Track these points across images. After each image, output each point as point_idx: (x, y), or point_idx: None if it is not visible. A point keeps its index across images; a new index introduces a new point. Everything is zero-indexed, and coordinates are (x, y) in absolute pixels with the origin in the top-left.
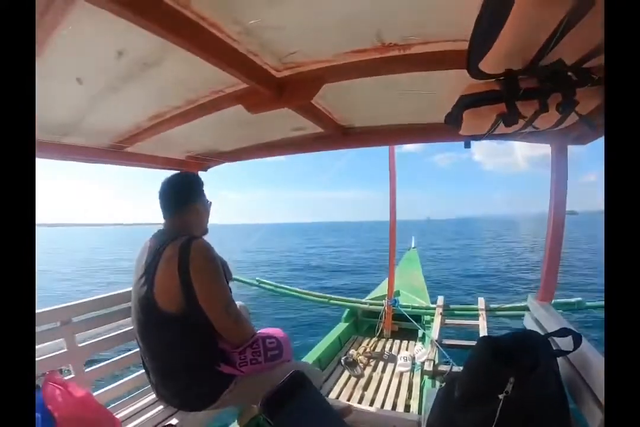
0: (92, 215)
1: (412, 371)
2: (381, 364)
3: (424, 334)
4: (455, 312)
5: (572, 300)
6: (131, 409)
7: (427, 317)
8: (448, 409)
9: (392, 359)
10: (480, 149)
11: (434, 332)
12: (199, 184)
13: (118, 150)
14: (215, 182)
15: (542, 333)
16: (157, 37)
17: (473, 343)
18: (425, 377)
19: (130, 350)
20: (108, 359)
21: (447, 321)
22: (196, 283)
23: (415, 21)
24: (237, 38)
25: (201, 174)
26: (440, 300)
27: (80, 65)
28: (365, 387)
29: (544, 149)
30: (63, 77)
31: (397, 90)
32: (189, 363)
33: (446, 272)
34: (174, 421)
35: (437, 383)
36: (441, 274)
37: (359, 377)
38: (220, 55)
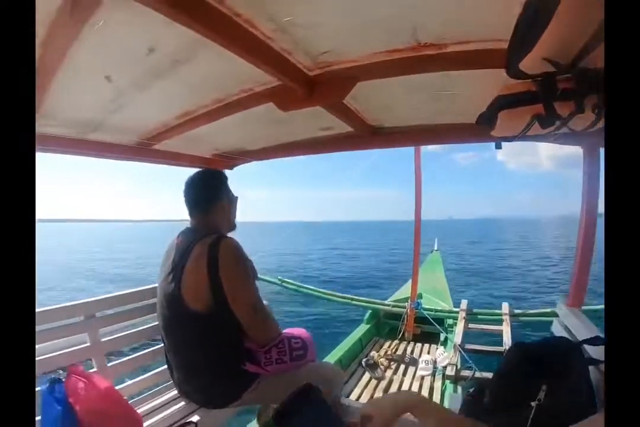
0: (100, 211)
1: (433, 375)
2: (402, 367)
3: (446, 338)
4: (479, 316)
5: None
6: (152, 404)
7: (450, 321)
8: (476, 416)
9: (413, 362)
10: (504, 147)
11: (457, 336)
12: (223, 180)
13: (144, 148)
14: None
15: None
16: (189, 33)
17: (497, 349)
18: (447, 381)
19: (152, 345)
20: (130, 355)
21: (471, 326)
22: (225, 282)
23: (453, 20)
24: (271, 35)
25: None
26: (464, 304)
27: (110, 62)
28: (386, 390)
29: (568, 149)
30: (92, 73)
31: (428, 90)
32: (213, 361)
33: (475, 291)
34: (194, 418)
35: (459, 388)
36: (470, 294)
37: (379, 379)
38: (253, 52)
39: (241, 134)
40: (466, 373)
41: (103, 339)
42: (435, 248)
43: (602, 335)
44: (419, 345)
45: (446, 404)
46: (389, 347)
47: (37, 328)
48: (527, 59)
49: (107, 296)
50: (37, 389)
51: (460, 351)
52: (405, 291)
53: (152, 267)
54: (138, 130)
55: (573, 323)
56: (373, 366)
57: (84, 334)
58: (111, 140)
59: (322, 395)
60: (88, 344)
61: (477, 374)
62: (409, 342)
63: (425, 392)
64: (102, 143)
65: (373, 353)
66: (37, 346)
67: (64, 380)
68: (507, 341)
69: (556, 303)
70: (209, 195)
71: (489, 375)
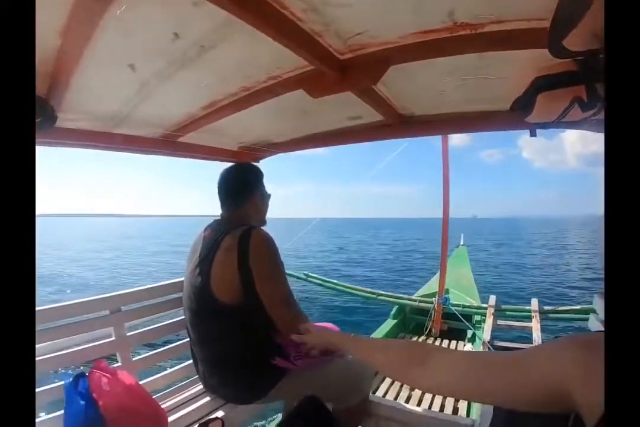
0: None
1: None
2: None
3: (473, 335)
4: (507, 313)
5: None
6: (177, 399)
7: (478, 317)
8: (517, 415)
9: None
10: (530, 145)
11: (486, 333)
12: (259, 175)
13: (170, 140)
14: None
15: None
16: (216, 16)
17: (527, 346)
18: None
19: (177, 340)
20: (155, 349)
21: (500, 322)
22: (256, 274)
23: None
24: (302, 16)
25: None
26: (492, 300)
27: (133, 50)
28: (413, 387)
29: (595, 146)
30: (115, 63)
31: (461, 74)
32: (242, 355)
33: (501, 289)
34: (220, 414)
35: None
36: (496, 291)
37: None
38: (284, 34)
39: (267, 125)
40: None
41: (128, 333)
42: (462, 243)
43: None
44: (445, 341)
45: (476, 405)
46: None
47: (63, 321)
48: (572, 35)
49: (132, 290)
50: (61, 383)
51: (489, 348)
52: (431, 286)
53: None
54: (163, 122)
55: None
56: None
57: (109, 328)
58: (136, 133)
59: (325, 406)
60: (113, 338)
61: None
62: (435, 339)
63: None
64: (127, 136)
65: None
66: (62, 339)
67: (87, 375)
68: (537, 338)
69: (587, 300)
70: (243, 189)
71: None
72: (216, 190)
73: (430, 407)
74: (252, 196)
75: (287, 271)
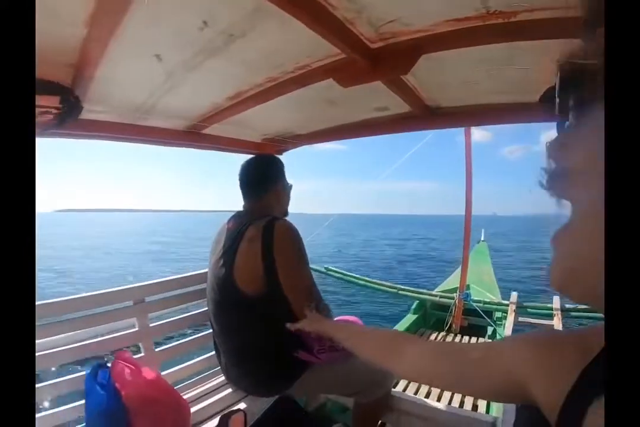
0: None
1: None
2: None
3: (494, 331)
4: (529, 310)
5: None
6: (199, 390)
7: (499, 314)
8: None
9: None
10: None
11: (507, 329)
12: (279, 165)
13: (195, 132)
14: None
15: None
16: (247, 2)
17: None
18: None
19: (200, 331)
20: (178, 340)
21: (521, 319)
22: (279, 265)
23: None
24: (335, 3)
25: None
26: (514, 296)
27: (160, 39)
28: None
29: None
30: (141, 53)
31: (491, 64)
32: (264, 347)
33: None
34: (241, 406)
35: None
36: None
37: None
38: (317, 20)
39: (292, 116)
40: None
41: (151, 324)
42: (482, 239)
43: None
44: (465, 338)
45: (497, 406)
46: (435, 339)
47: (86, 312)
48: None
49: (156, 281)
50: (82, 373)
51: None
52: (452, 281)
53: None
54: (188, 114)
55: None
56: None
57: (132, 318)
58: (160, 124)
59: (299, 406)
60: (136, 328)
61: None
62: (455, 335)
63: None
64: (151, 128)
65: None
66: (85, 330)
67: (109, 365)
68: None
69: None
70: (264, 180)
71: None
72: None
73: (450, 403)
74: (274, 187)
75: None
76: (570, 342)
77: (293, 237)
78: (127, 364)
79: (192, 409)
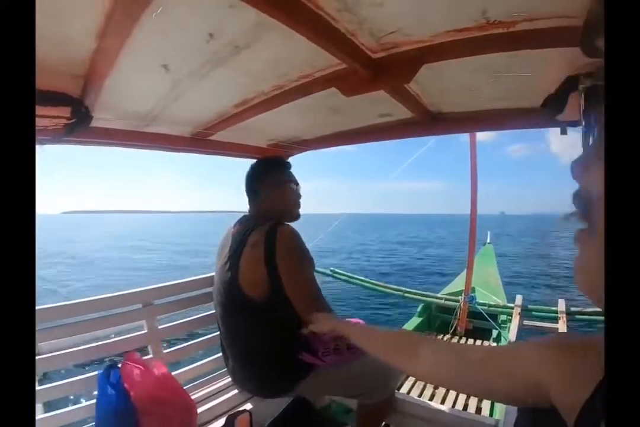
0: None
1: None
2: None
3: (499, 334)
4: (534, 313)
5: None
6: (206, 391)
7: (504, 317)
8: (541, 414)
9: None
10: (558, 140)
11: (512, 333)
12: (269, 166)
13: (201, 138)
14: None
15: None
16: (252, 16)
17: None
18: None
19: (208, 333)
20: (186, 342)
21: (526, 322)
22: (282, 270)
23: None
24: (336, 16)
25: None
26: (519, 299)
27: (168, 51)
28: (437, 386)
29: None
30: (149, 64)
31: (492, 72)
32: (269, 350)
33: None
34: (248, 406)
35: None
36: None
37: None
38: (318, 33)
39: (297, 122)
40: None
41: (160, 327)
42: (488, 241)
43: None
44: (470, 341)
45: (499, 405)
46: None
47: (95, 315)
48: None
49: (165, 284)
50: (94, 373)
51: None
52: (457, 284)
53: None
54: (195, 121)
55: None
56: None
57: (141, 321)
58: (168, 131)
59: (314, 408)
60: (145, 331)
61: None
62: (460, 338)
63: None
64: (159, 135)
65: None
66: (95, 332)
67: (120, 366)
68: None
69: None
70: (256, 183)
71: None
72: None
73: (453, 405)
74: (264, 189)
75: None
76: (594, 348)
77: (295, 242)
78: (137, 365)
79: (199, 410)
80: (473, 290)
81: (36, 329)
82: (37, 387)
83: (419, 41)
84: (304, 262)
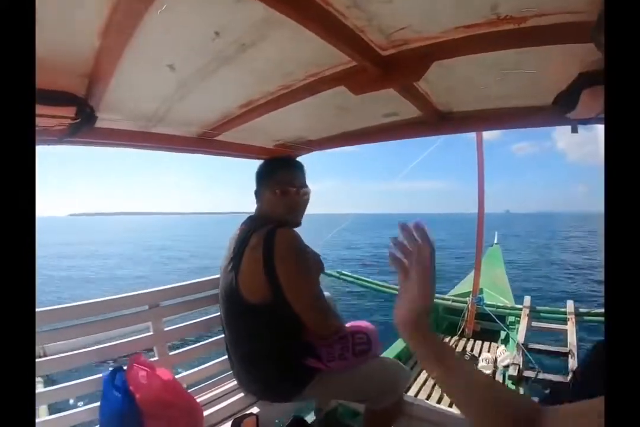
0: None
1: (493, 374)
2: None
3: (507, 336)
4: (542, 314)
5: None
6: (212, 394)
7: (512, 318)
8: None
9: (473, 360)
10: (564, 137)
11: (520, 334)
12: (269, 167)
13: (207, 139)
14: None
15: None
16: (258, 13)
17: (562, 349)
18: (509, 382)
19: (214, 335)
20: (192, 344)
21: (534, 324)
22: (281, 274)
23: None
24: (345, 12)
25: None
26: (527, 300)
27: (173, 49)
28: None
29: None
30: (154, 63)
31: (502, 69)
32: (272, 355)
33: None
34: (254, 410)
35: (522, 389)
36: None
37: None
38: (327, 29)
39: (304, 122)
40: (529, 374)
41: (166, 329)
42: (495, 241)
43: None
44: (478, 342)
45: None
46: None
47: (102, 316)
48: None
49: (171, 286)
50: (98, 376)
51: (523, 350)
52: (465, 285)
53: None
54: (200, 121)
55: None
56: None
57: (147, 323)
58: (173, 132)
59: None
60: (151, 333)
61: (541, 376)
62: (468, 339)
63: None
64: (164, 135)
65: None
66: (101, 334)
67: (125, 368)
68: (573, 341)
69: None
70: (256, 182)
71: (554, 377)
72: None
73: None
74: (263, 191)
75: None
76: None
77: (294, 245)
78: (142, 367)
79: (205, 413)
80: (481, 291)
81: (43, 329)
82: (43, 389)
83: (428, 38)
84: (303, 265)
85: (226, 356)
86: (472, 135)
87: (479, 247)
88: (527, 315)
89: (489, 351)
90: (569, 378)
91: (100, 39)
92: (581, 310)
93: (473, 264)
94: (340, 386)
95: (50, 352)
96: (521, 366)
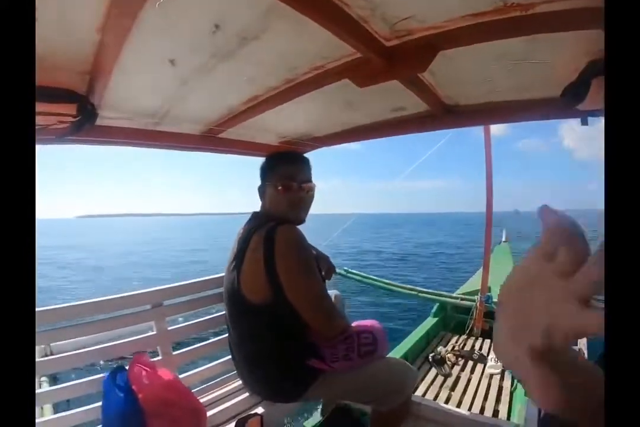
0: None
1: (502, 373)
2: (470, 363)
3: None
4: None
5: None
6: (216, 394)
7: None
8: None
9: (482, 359)
10: (572, 134)
11: None
12: (271, 162)
13: (211, 136)
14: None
15: None
16: (259, 3)
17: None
18: (517, 382)
19: (218, 335)
20: (196, 344)
21: None
22: (282, 274)
23: None
24: (348, 1)
25: None
26: None
27: (172, 44)
28: (453, 388)
29: None
30: (154, 59)
31: (510, 59)
32: (276, 355)
33: None
34: (259, 410)
35: None
36: None
37: (446, 376)
38: (330, 19)
39: (309, 119)
40: None
41: (169, 328)
42: (504, 239)
43: None
44: (487, 341)
45: (526, 406)
46: (456, 342)
47: (105, 315)
48: None
49: (174, 285)
50: (100, 376)
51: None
52: (473, 283)
53: None
54: (204, 118)
55: None
56: (440, 362)
57: (150, 322)
58: (176, 130)
59: (356, 415)
60: (154, 332)
61: None
62: (477, 338)
63: (493, 392)
64: (168, 133)
65: (440, 348)
66: (103, 333)
67: (127, 368)
68: (582, 339)
69: None
70: (260, 179)
71: None
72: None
73: (470, 408)
74: (266, 187)
75: None
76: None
77: (295, 244)
78: (144, 367)
79: (209, 413)
80: (489, 289)
81: (45, 329)
82: (46, 389)
83: (433, 27)
84: (305, 264)
85: (230, 356)
86: (475, 133)
87: (487, 245)
88: None
89: None
90: None
91: (99, 33)
92: None
93: (481, 262)
94: (345, 387)
95: (56, 351)
96: None
